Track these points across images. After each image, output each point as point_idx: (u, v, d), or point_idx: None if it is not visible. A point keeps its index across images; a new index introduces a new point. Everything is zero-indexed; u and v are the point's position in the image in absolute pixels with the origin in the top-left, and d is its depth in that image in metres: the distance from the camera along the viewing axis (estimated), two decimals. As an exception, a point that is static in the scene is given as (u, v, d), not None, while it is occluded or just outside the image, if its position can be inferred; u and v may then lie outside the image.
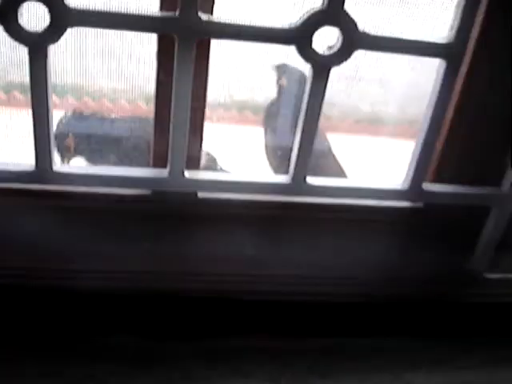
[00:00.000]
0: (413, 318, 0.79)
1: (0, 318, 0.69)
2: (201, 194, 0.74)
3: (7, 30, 0.54)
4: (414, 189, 0.70)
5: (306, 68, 0.62)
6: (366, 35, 0.60)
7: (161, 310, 0.73)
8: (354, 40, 0.60)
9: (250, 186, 0.68)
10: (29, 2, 0.53)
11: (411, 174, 0.70)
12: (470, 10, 0.61)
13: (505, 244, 0.74)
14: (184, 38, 0.57)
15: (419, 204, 0.80)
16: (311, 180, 0.68)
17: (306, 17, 0.58)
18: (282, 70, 1.31)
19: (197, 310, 0.73)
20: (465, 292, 0.78)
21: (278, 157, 1.34)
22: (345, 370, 0.73)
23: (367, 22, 0.60)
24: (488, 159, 0.78)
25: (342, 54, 0.61)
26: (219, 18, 0.58)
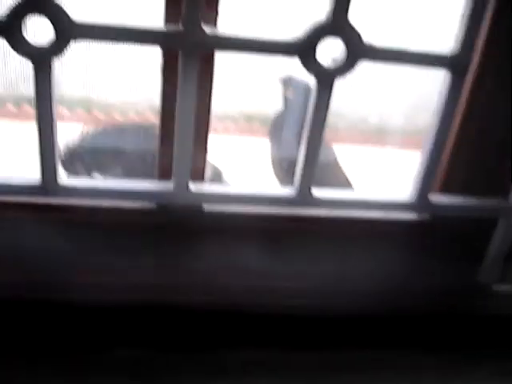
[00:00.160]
0: (421, 330, 0.78)
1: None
2: (206, 207, 0.74)
3: (12, 43, 0.54)
4: (420, 201, 0.70)
5: (311, 80, 0.62)
6: (370, 47, 0.60)
7: (162, 322, 0.72)
8: (359, 52, 0.60)
9: (255, 198, 0.67)
10: (33, 16, 0.53)
11: (418, 186, 0.69)
12: (476, 21, 0.61)
13: (513, 256, 0.74)
14: (188, 51, 0.58)
15: (426, 216, 0.80)
16: (317, 192, 0.67)
17: (309, 29, 0.58)
18: (287, 82, 1.31)
19: (198, 323, 0.73)
20: (473, 304, 0.77)
21: (285, 169, 1.34)
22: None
23: (372, 33, 0.60)
24: (496, 169, 0.77)
25: (346, 66, 0.60)
26: (223, 30, 0.58)
